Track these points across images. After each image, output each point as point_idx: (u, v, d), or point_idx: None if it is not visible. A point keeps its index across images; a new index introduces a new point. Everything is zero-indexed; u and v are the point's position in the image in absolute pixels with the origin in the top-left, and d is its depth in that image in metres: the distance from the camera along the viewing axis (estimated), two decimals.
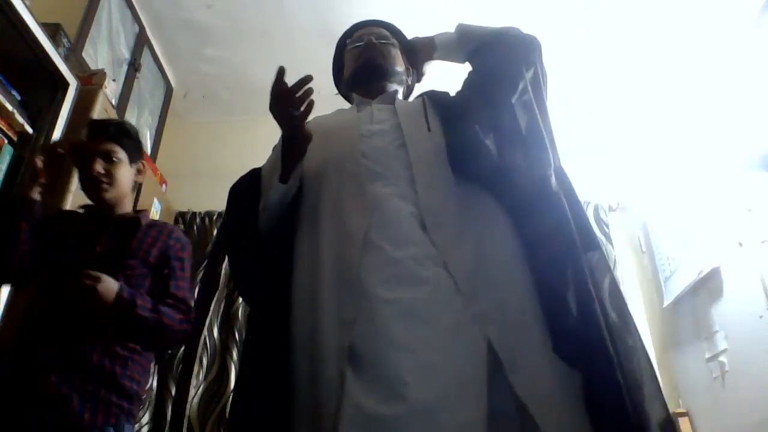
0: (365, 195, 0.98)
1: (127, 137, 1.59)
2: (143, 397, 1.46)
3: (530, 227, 0.98)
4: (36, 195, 1.49)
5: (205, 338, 2.87)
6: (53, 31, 2.05)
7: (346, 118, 1.19)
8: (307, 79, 0.98)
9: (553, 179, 1.00)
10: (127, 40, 2.90)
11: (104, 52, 2.65)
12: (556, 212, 0.97)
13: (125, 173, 1.57)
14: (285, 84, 0.98)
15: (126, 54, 2.88)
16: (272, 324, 0.96)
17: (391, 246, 0.92)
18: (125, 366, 1.39)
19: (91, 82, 2.15)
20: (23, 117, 1.86)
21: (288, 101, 0.98)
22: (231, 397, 2.78)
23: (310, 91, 0.98)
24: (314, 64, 2.76)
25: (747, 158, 2.30)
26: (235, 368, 2.85)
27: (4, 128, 1.80)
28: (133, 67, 2.93)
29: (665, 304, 2.92)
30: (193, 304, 1.55)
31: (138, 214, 1.60)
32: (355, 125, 1.12)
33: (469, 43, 1.24)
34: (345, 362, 0.82)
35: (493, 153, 1.03)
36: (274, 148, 1.16)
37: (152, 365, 1.53)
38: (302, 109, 0.98)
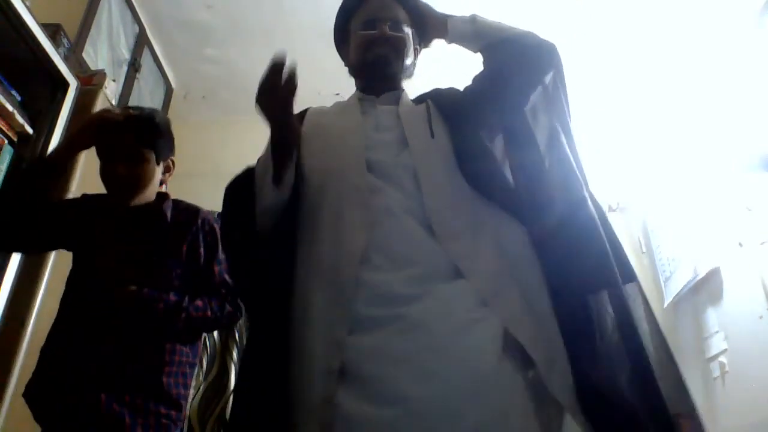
0: (367, 209, 0.94)
1: (158, 135, 1.46)
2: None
3: (553, 252, 0.93)
4: (62, 154, 1.43)
5: (205, 338, 2.87)
6: (53, 31, 2.05)
7: (349, 120, 1.12)
8: (282, 61, 0.90)
9: (587, 203, 0.97)
10: (127, 40, 2.90)
11: (104, 52, 2.65)
12: (586, 238, 0.92)
13: (150, 173, 1.45)
14: (277, 77, 0.92)
15: (126, 54, 2.88)
16: (271, 333, 0.92)
17: (391, 265, 0.89)
18: (170, 373, 1.35)
19: (92, 83, 2.15)
20: (23, 117, 1.85)
21: (272, 91, 0.93)
22: (231, 401, 2.78)
23: (291, 79, 0.91)
24: (314, 64, 2.77)
25: (747, 158, 2.30)
26: (235, 368, 2.84)
27: (4, 128, 1.80)
28: (133, 67, 2.93)
29: (665, 305, 2.92)
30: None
31: (161, 204, 1.48)
32: (360, 133, 1.07)
33: (484, 39, 1.17)
34: (334, 385, 0.80)
35: (499, 163, 1.02)
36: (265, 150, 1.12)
37: (196, 367, 1.50)
38: (283, 97, 0.93)
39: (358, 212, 0.94)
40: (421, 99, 1.17)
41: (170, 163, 1.53)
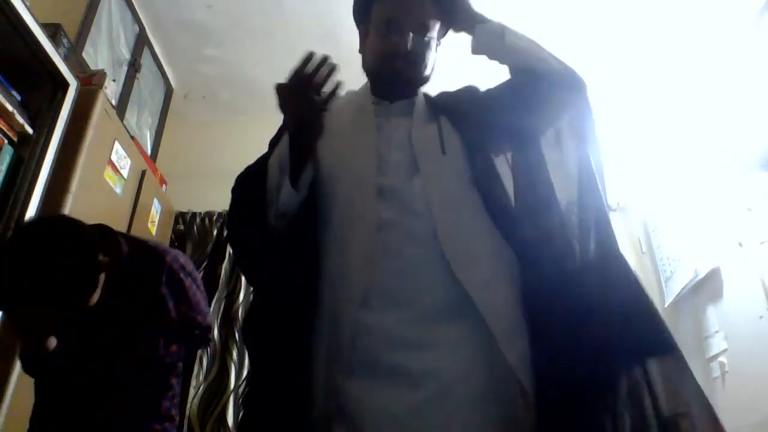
0: (372, 246, 0.92)
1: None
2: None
3: (544, 317, 0.87)
4: None
5: None
6: (53, 31, 2.05)
7: (362, 136, 1.06)
8: (326, 58, 0.87)
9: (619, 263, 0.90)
10: (127, 40, 2.90)
11: (104, 52, 2.65)
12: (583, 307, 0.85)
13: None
14: (309, 68, 0.87)
15: (126, 54, 2.88)
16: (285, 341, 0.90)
17: (392, 308, 0.88)
18: (154, 395, 1.41)
19: (91, 83, 2.15)
20: (23, 117, 1.85)
21: (310, 85, 0.87)
22: (231, 401, 2.78)
23: (333, 70, 0.87)
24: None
25: (747, 158, 2.30)
26: (235, 368, 2.85)
27: (4, 128, 1.80)
28: (133, 67, 2.93)
29: (666, 305, 2.92)
30: (200, 312, 1.49)
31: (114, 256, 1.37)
32: (372, 155, 1.01)
33: (511, 61, 1.08)
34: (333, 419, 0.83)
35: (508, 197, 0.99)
36: (271, 143, 1.09)
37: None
38: (325, 92, 0.88)
39: (362, 249, 0.92)
40: (435, 105, 1.12)
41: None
